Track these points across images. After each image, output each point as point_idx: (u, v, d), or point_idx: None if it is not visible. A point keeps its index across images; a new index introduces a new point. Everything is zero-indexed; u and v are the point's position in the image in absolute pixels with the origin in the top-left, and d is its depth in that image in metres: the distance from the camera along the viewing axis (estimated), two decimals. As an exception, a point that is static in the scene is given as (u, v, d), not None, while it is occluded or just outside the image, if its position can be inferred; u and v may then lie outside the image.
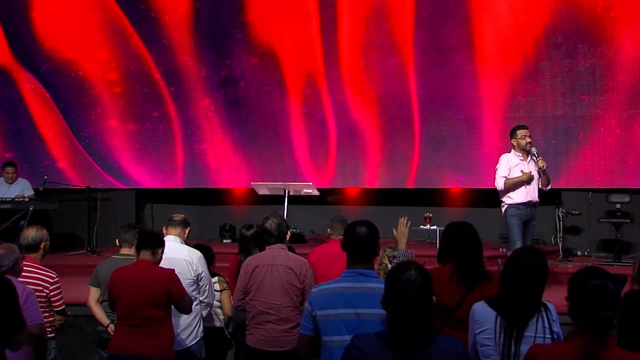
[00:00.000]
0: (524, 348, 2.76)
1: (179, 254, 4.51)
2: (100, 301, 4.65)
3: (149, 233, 4.25)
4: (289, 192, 7.24)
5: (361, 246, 3.10)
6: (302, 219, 8.90)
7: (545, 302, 2.92)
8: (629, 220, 8.18)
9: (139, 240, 4.12)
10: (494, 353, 2.85)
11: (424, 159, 9.02)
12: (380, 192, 9.33)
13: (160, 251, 4.11)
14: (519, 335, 2.82)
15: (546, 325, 2.84)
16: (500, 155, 6.66)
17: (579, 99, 8.48)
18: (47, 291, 4.37)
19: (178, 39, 9.30)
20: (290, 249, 4.47)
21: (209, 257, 5.02)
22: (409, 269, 2.45)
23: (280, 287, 4.10)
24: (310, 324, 3.07)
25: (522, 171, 6.41)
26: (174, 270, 4.10)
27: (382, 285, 2.52)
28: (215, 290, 4.97)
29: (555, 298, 3.22)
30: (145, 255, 4.04)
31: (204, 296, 4.62)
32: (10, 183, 8.68)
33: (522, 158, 6.50)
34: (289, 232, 4.45)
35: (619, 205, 8.30)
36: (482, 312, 2.91)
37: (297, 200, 7.96)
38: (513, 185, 6.41)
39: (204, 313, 4.71)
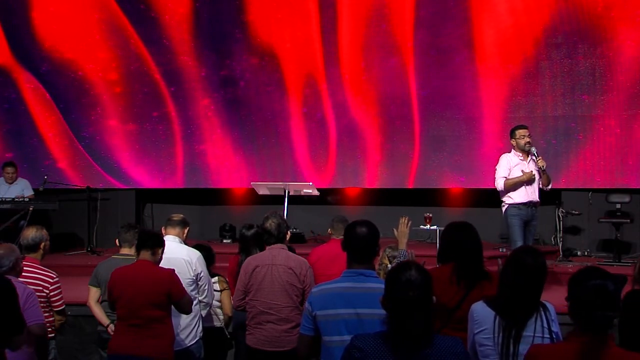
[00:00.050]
0: (523, 348, 2.76)
1: (178, 254, 4.51)
2: (100, 301, 4.65)
3: (149, 233, 4.25)
4: (289, 192, 7.24)
5: (361, 246, 3.10)
6: (302, 219, 8.90)
7: (544, 302, 2.92)
8: (629, 220, 8.18)
9: (139, 240, 4.12)
10: (493, 353, 2.85)
11: (424, 159, 9.02)
12: (380, 192, 9.33)
13: (160, 251, 4.11)
14: (518, 335, 2.82)
15: (545, 325, 2.84)
16: (500, 156, 6.66)
17: (579, 99, 8.48)
18: (47, 291, 4.37)
19: (178, 39, 9.30)
20: (291, 249, 4.47)
21: (209, 257, 5.02)
22: (409, 269, 2.45)
23: (280, 287, 4.10)
24: (310, 324, 3.07)
25: (522, 171, 6.40)
26: (174, 270, 4.10)
27: (382, 285, 2.53)
28: (215, 290, 4.98)
29: (555, 298, 3.22)
30: (145, 255, 4.04)
31: (203, 296, 4.62)
32: (10, 183, 8.68)
33: (522, 158, 6.49)
34: (289, 232, 4.45)
35: (619, 205, 8.30)
36: (481, 312, 2.91)
37: (297, 200, 7.96)
38: (513, 186, 6.41)
39: (203, 313, 4.71)
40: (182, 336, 4.43)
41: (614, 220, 8.20)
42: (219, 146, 9.47)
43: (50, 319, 4.40)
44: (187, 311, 4.20)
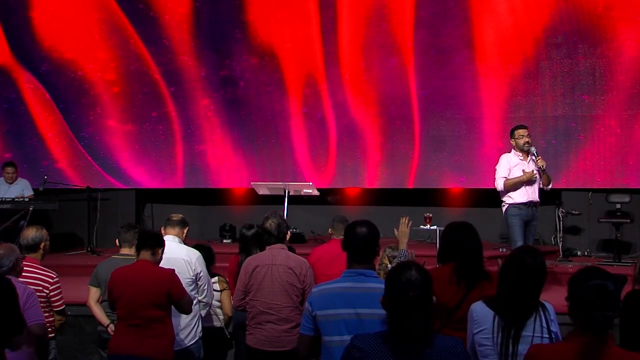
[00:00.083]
0: (522, 348, 2.76)
1: (177, 254, 4.51)
2: (100, 301, 4.65)
3: (149, 233, 4.25)
4: (289, 192, 7.24)
5: (361, 246, 3.10)
6: (302, 219, 8.90)
7: (543, 301, 2.91)
8: (629, 220, 8.18)
9: (139, 240, 4.12)
10: (492, 353, 2.85)
11: (424, 159, 9.01)
12: (380, 192, 9.33)
13: (160, 251, 4.11)
14: (517, 335, 2.82)
15: (544, 325, 2.83)
16: (500, 156, 6.66)
17: (579, 99, 8.48)
18: (47, 291, 4.37)
19: (178, 38, 9.30)
20: (291, 249, 4.47)
21: (209, 257, 5.02)
22: (409, 269, 2.45)
23: (280, 287, 4.10)
24: (310, 324, 3.07)
25: (523, 171, 6.39)
26: (174, 270, 4.10)
27: (382, 285, 2.52)
28: (215, 290, 4.98)
29: (555, 298, 3.22)
30: (146, 255, 4.04)
31: (203, 296, 4.62)
32: (10, 183, 8.68)
33: (522, 158, 6.49)
34: (289, 232, 4.45)
35: (619, 205, 8.30)
36: (480, 312, 2.91)
37: (297, 200, 7.96)
38: (513, 186, 6.40)
39: (203, 313, 4.71)
40: (182, 336, 4.43)
41: (614, 220, 8.20)
42: (219, 146, 9.47)
43: (50, 319, 4.40)
44: (187, 311, 4.20)
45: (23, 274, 4.06)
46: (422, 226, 7.36)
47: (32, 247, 4.47)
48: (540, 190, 6.54)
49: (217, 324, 5.05)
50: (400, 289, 2.41)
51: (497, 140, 8.50)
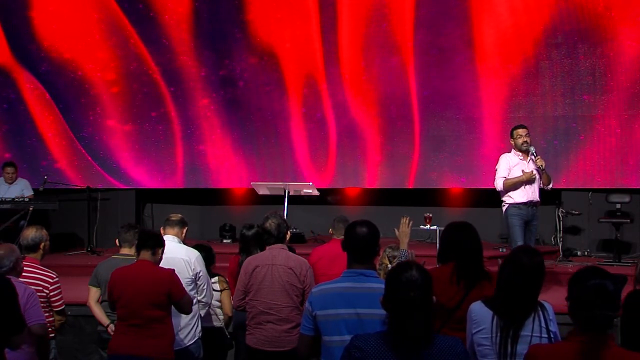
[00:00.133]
0: (521, 348, 2.77)
1: (176, 254, 4.51)
2: (100, 301, 4.65)
3: (149, 233, 4.25)
4: (289, 192, 7.24)
5: (361, 246, 3.09)
6: (302, 219, 8.90)
7: (542, 301, 2.91)
8: (629, 220, 8.18)
9: (139, 240, 4.12)
10: (491, 352, 2.85)
11: (424, 159, 9.01)
12: (380, 192, 9.33)
13: (160, 251, 4.11)
14: (515, 334, 2.81)
15: (543, 324, 2.83)
16: (500, 156, 6.65)
17: (580, 99, 8.48)
18: (47, 291, 4.37)
19: (177, 38, 9.29)
20: (291, 249, 4.47)
21: (210, 257, 5.02)
22: (409, 269, 2.45)
23: (280, 287, 4.10)
24: (310, 323, 3.07)
25: (522, 171, 6.39)
26: (174, 270, 4.10)
27: (383, 286, 2.52)
28: (216, 290, 4.98)
29: (555, 298, 3.22)
30: (146, 255, 4.04)
31: (202, 295, 4.63)
32: (10, 183, 8.68)
33: (522, 158, 6.48)
34: (289, 232, 4.45)
35: (619, 205, 8.30)
36: (479, 312, 2.91)
37: (297, 200, 7.96)
38: (512, 185, 6.39)
39: (202, 312, 4.71)
40: (181, 336, 4.43)
41: (614, 220, 8.20)
42: (219, 146, 9.47)
43: (50, 319, 4.40)
44: (187, 311, 4.20)
45: (23, 274, 4.06)
46: (422, 226, 7.35)
47: (32, 247, 4.46)
48: (541, 190, 6.53)
49: (217, 324, 5.05)
50: (401, 289, 2.40)
51: (497, 141, 8.49)
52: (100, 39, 9.38)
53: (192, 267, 4.53)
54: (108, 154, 9.59)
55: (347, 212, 7.52)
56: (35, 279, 4.30)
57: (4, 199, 8.30)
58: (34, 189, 8.82)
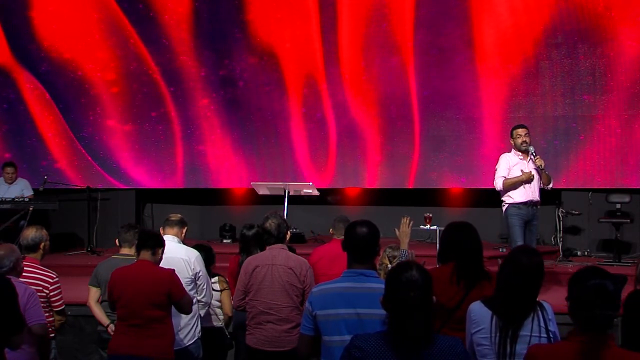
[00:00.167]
0: (520, 347, 2.77)
1: (176, 253, 4.51)
2: (100, 301, 4.65)
3: (149, 233, 4.25)
4: (289, 192, 7.23)
5: (361, 246, 3.09)
6: (302, 219, 8.90)
7: (541, 301, 2.91)
8: (629, 220, 8.18)
9: (139, 240, 4.12)
10: (490, 352, 2.85)
11: (424, 159, 9.01)
12: (380, 192, 9.33)
13: (160, 251, 4.11)
14: (515, 334, 2.82)
15: (542, 324, 2.83)
16: (500, 155, 6.65)
17: (580, 99, 8.48)
18: (47, 291, 4.37)
19: (177, 38, 9.29)
20: (291, 249, 4.47)
21: (210, 257, 5.02)
22: (409, 269, 2.45)
23: (280, 287, 4.10)
24: (310, 323, 3.07)
25: (522, 170, 6.39)
26: (174, 270, 4.10)
27: (383, 286, 2.52)
28: (215, 290, 4.98)
29: (555, 298, 3.22)
30: (146, 255, 4.04)
31: (202, 295, 4.63)
32: (10, 183, 8.68)
33: (521, 157, 6.48)
34: (289, 232, 4.45)
35: (619, 205, 8.30)
36: (478, 312, 2.91)
37: (297, 200, 7.95)
38: (512, 185, 6.39)
39: (202, 312, 4.71)
40: (181, 336, 4.43)
41: (614, 220, 8.20)
42: (219, 146, 9.47)
43: (50, 319, 4.40)
44: (187, 311, 4.20)
45: (23, 274, 4.06)
46: (422, 226, 7.35)
47: (32, 247, 4.46)
48: (541, 190, 6.53)
49: (217, 323, 5.05)
50: (401, 289, 2.40)
51: (497, 141, 8.49)
52: (100, 39, 9.38)
53: (192, 267, 4.53)
54: (108, 154, 9.59)
55: (347, 212, 7.52)
56: (35, 279, 4.30)
57: (4, 199, 8.30)
58: (34, 189, 8.82)
